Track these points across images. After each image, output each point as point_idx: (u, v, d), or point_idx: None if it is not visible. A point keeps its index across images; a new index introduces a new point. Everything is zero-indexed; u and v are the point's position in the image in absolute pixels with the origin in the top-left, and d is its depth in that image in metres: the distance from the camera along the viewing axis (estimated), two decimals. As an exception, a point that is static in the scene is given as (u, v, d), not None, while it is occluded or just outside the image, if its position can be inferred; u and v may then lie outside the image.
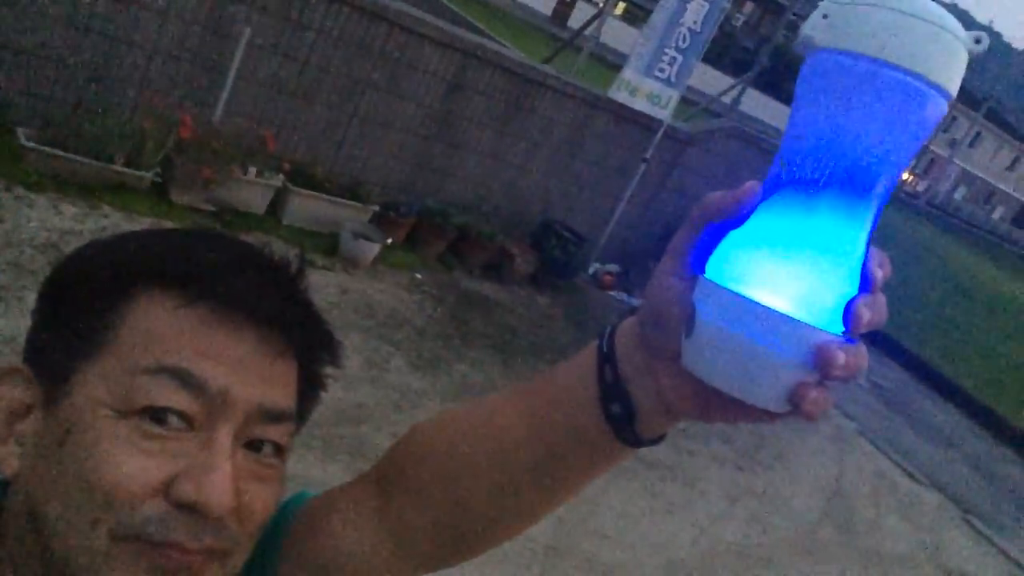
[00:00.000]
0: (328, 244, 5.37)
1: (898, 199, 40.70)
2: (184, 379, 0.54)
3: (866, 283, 0.46)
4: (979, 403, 10.15)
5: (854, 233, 0.46)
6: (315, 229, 5.41)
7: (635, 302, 7.19)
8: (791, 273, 0.45)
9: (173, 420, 0.53)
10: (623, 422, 0.55)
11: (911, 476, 6.95)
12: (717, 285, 0.47)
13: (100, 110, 4.52)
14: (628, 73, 7.14)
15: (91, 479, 0.52)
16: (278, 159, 5.19)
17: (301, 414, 0.64)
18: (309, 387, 0.64)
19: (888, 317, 0.47)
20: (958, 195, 59.15)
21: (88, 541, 0.51)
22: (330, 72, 5.43)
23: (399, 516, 0.64)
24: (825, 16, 0.47)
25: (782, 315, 0.45)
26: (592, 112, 6.91)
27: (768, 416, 0.49)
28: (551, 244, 6.63)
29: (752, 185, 0.49)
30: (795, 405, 0.47)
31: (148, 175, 4.64)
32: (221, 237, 0.62)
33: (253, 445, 0.58)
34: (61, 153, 4.30)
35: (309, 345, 0.62)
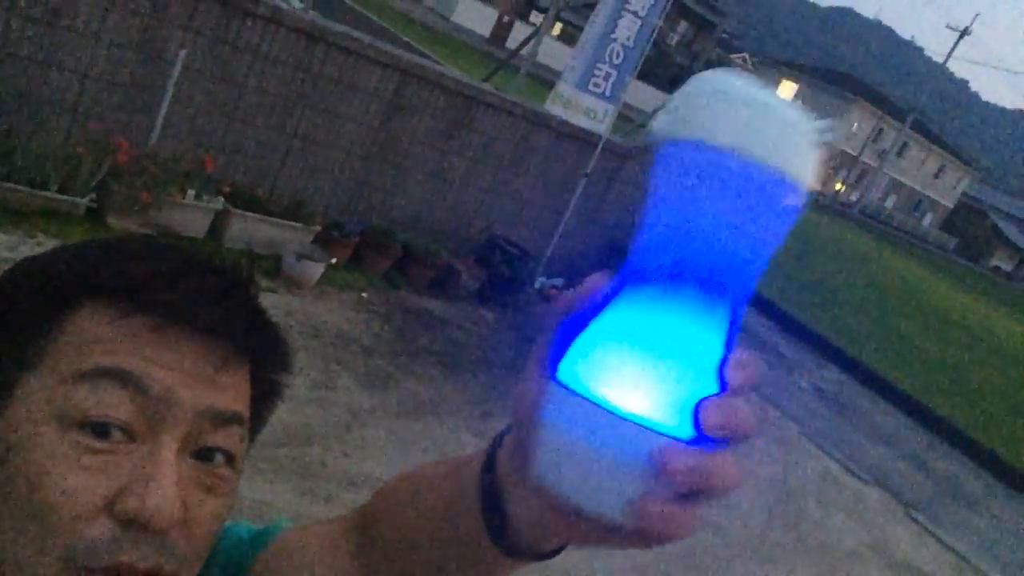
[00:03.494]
0: (271, 266, 5.33)
1: (832, 209, 41.86)
2: (124, 380, 0.52)
3: (723, 385, 0.42)
4: (916, 402, 10.47)
5: (709, 331, 0.43)
6: (258, 251, 5.36)
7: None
8: (639, 373, 0.42)
9: (115, 433, 0.52)
10: (500, 534, 0.50)
11: (854, 474, 7.13)
12: (559, 385, 0.44)
13: (32, 135, 4.43)
14: (563, 87, 7.27)
15: (33, 500, 0.50)
16: (218, 181, 5.14)
17: (256, 422, 0.63)
18: (263, 394, 0.63)
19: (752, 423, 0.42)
20: (889, 203, 61.11)
21: (39, 569, 0.50)
22: (268, 93, 5.41)
23: (373, 569, 0.61)
24: (675, 108, 0.45)
25: (620, 416, 0.41)
26: (532, 128, 7.00)
27: (642, 540, 0.44)
28: (496, 260, 6.68)
29: (596, 279, 0.45)
30: (640, 520, 0.41)
31: (83, 201, 4.55)
32: (161, 246, 0.60)
33: (203, 455, 0.56)
34: (-9, 180, 4.20)
35: (258, 351, 0.61)
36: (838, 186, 53.20)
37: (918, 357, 13.62)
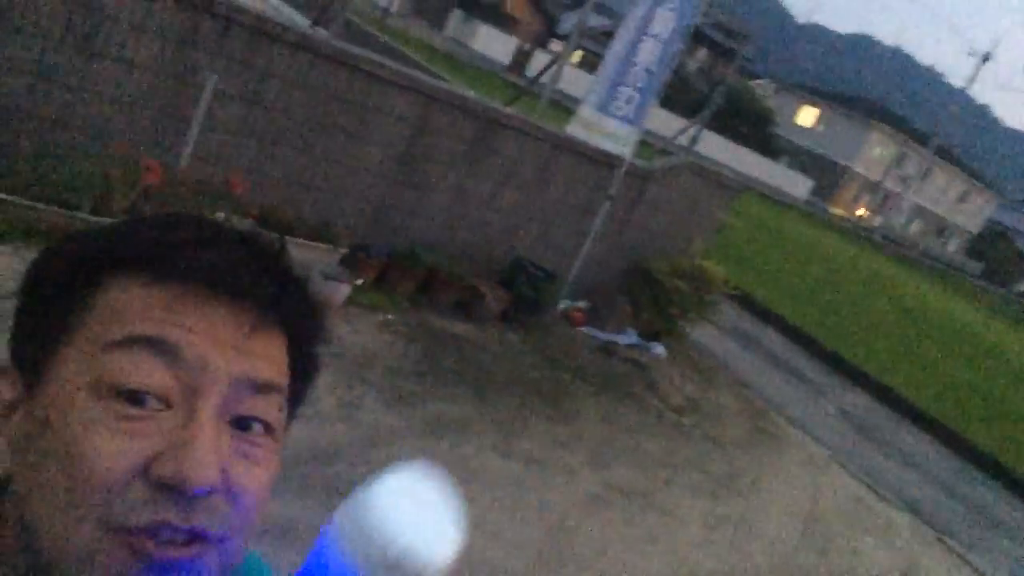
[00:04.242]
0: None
1: (854, 234, 41.54)
2: (158, 347, 0.53)
3: None
4: (944, 426, 10.30)
5: None
6: (284, 273, 5.40)
7: (603, 336, 7.26)
8: None
9: (150, 400, 0.52)
10: None
11: (884, 499, 7.02)
12: None
13: (65, 159, 4.52)
14: (585, 110, 7.32)
15: (70, 466, 0.51)
16: (246, 204, 5.20)
17: (295, 395, 0.62)
18: (300, 363, 0.62)
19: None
20: (913, 228, 60.61)
21: (76, 534, 0.51)
22: (296, 117, 5.49)
23: None
24: (344, 506, 0.61)
25: None
26: (555, 152, 7.04)
27: None
28: (520, 282, 6.69)
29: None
30: None
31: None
32: (190, 217, 0.61)
33: (240, 424, 0.56)
34: (26, 202, 4.28)
35: (292, 318, 0.60)
36: (860, 211, 52.87)
37: (944, 381, 13.43)
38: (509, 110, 6.99)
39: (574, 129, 7.25)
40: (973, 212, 64.08)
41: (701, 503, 5.32)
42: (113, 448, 0.51)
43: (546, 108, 7.93)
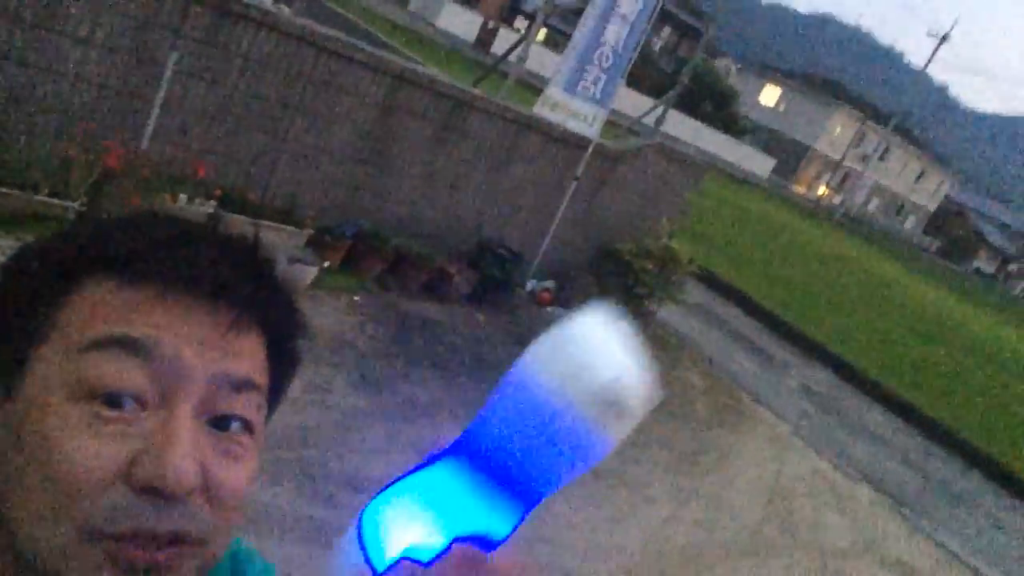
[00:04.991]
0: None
1: (815, 213, 42.12)
2: (133, 347, 0.52)
3: (436, 558, 0.49)
4: (903, 401, 10.55)
5: (472, 513, 0.50)
6: (250, 255, 5.34)
7: (572, 318, 7.29)
8: (414, 527, 0.49)
9: (128, 402, 0.52)
10: None
11: (845, 473, 7.18)
12: (357, 521, 0.51)
13: (23, 139, 4.41)
14: (552, 91, 7.30)
15: (48, 471, 0.50)
16: (209, 185, 5.12)
17: (274, 391, 0.62)
18: (279, 361, 0.62)
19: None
20: (872, 207, 61.61)
21: (55, 540, 0.50)
22: (260, 97, 5.41)
23: None
24: (547, 340, 0.52)
25: (359, 535, 0.49)
26: (523, 132, 7.02)
27: None
28: (488, 263, 6.69)
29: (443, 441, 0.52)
30: None
31: (74, 205, 4.53)
32: (167, 217, 0.61)
33: (219, 423, 0.55)
34: (-18, 184, 4.17)
35: (268, 315, 0.60)
36: (822, 190, 53.58)
37: (904, 357, 13.73)
38: (476, 90, 6.95)
39: (541, 109, 7.24)
40: (930, 191, 65.28)
41: (669, 479, 5.40)
42: (91, 452, 0.50)
43: (512, 88, 7.89)
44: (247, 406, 0.57)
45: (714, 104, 39.98)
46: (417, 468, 0.53)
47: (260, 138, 5.54)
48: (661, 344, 7.99)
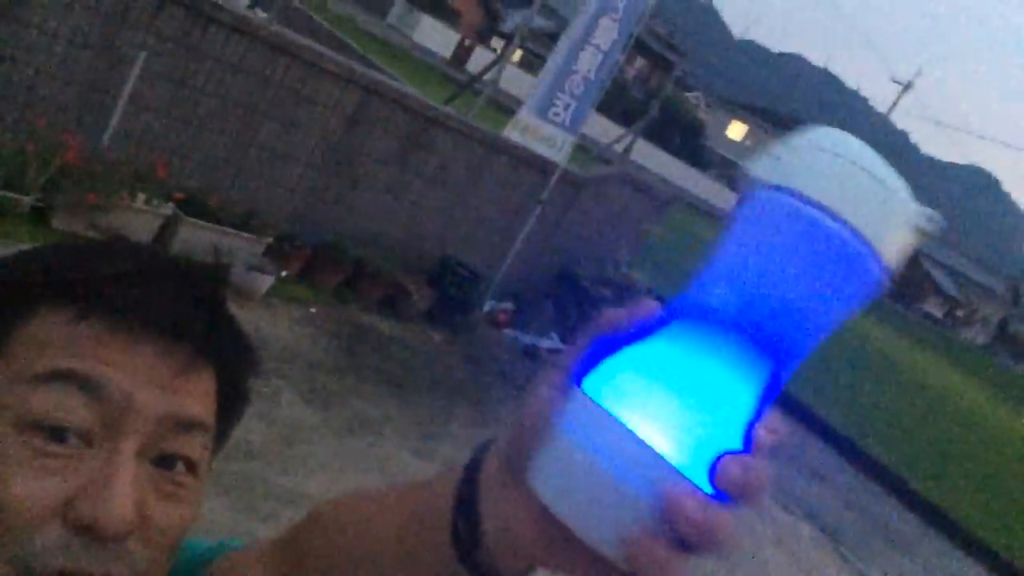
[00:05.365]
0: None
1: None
2: (80, 383, 0.51)
3: (748, 444, 0.40)
4: (846, 438, 10.73)
5: (749, 386, 0.41)
6: (205, 260, 5.27)
7: (527, 339, 7.32)
8: (671, 409, 0.40)
9: (71, 437, 0.51)
10: (467, 545, 0.48)
11: (786, 508, 7.27)
12: (586, 397, 0.42)
13: (-22, 129, 4.31)
14: (523, 114, 7.36)
15: None
16: (169, 187, 5.05)
17: (222, 429, 0.62)
18: (229, 400, 0.61)
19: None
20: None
21: None
22: (227, 101, 5.36)
23: None
24: (776, 156, 0.43)
25: (647, 446, 0.39)
26: (490, 154, 7.05)
27: None
28: (448, 281, 6.69)
29: (650, 304, 0.44)
30: (632, 559, 0.39)
31: (28, 199, 4.43)
32: (126, 247, 0.60)
33: (163, 462, 0.55)
34: (-68, 172, 4.07)
35: (223, 355, 0.60)
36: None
37: (849, 394, 13.97)
38: (447, 109, 6.97)
39: (511, 133, 7.29)
40: (887, 234, 66.58)
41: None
42: (30, 486, 0.50)
43: (484, 107, 7.94)
44: (193, 447, 0.56)
45: (682, 136, 40.55)
46: (627, 338, 0.43)
47: (224, 142, 5.49)
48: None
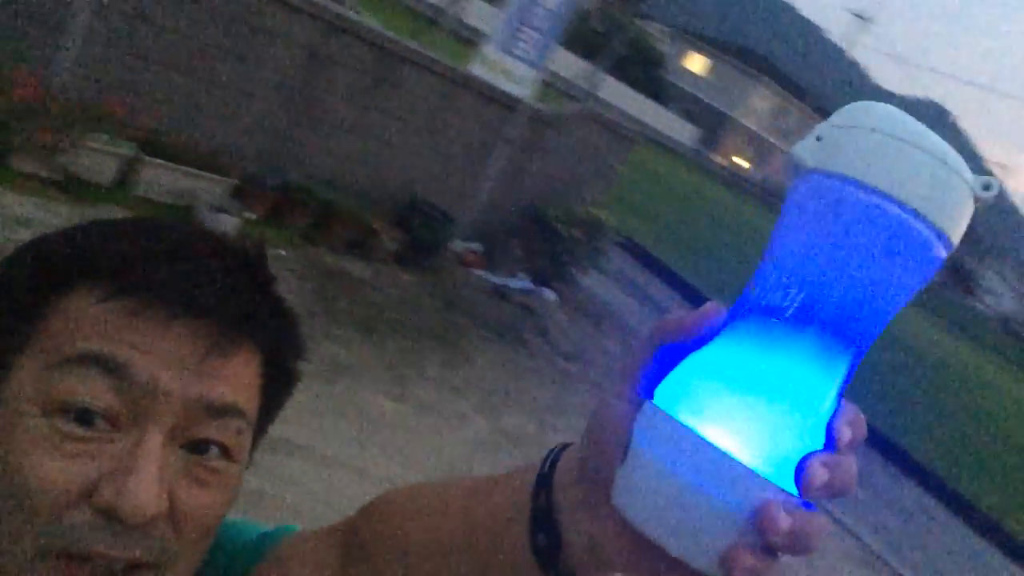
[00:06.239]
0: (183, 218, 5.11)
1: (734, 184, 43.14)
2: (106, 366, 0.51)
3: (831, 440, 0.40)
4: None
5: (824, 380, 0.40)
6: (169, 202, 5.13)
7: (496, 280, 7.30)
8: (749, 414, 0.39)
9: (99, 421, 0.51)
10: (548, 557, 0.48)
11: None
12: (660, 411, 0.41)
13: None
14: (487, 49, 7.20)
15: (12, 484, 0.50)
16: (130, 127, 4.87)
17: (266, 411, 0.60)
18: (273, 383, 0.60)
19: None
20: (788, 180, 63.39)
21: (14, 554, 0.50)
22: (185, 36, 5.15)
23: None
24: (820, 138, 0.42)
25: (730, 458, 0.39)
26: (457, 90, 6.91)
27: None
28: (416, 222, 6.61)
29: (714, 306, 0.44)
30: (726, 570, 0.39)
31: (-21, 139, 4.24)
32: (163, 226, 0.58)
33: (195, 447, 0.54)
34: None
35: (262, 336, 0.58)
36: (741, 162, 54.86)
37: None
38: (412, 42, 6.79)
39: (476, 68, 7.13)
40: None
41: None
42: (56, 469, 0.49)
43: (449, 42, 7.75)
44: (227, 432, 0.55)
45: (642, 68, 40.20)
46: (694, 344, 0.43)
47: (184, 79, 5.29)
48: (583, 312, 8.09)
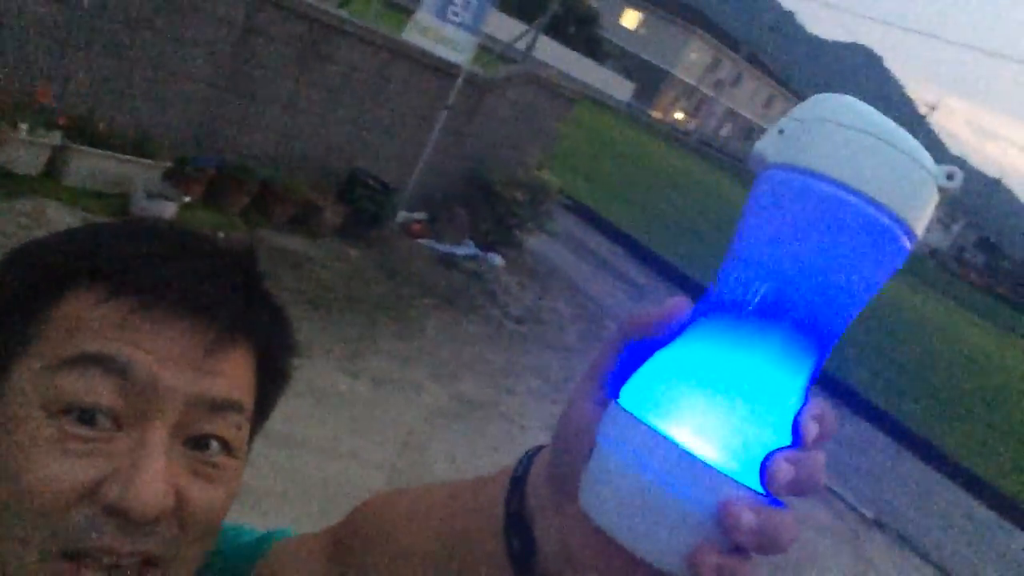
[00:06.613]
0: (118, 205, 4.99)
1: (672, 137, 43.45)
2: (107, 365, 0.51)
3: (797, 437, 0.39)
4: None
5: (789, 375, 0.40)
6: (102, 190, 4.99)
7: (443, 248, 7.29)
8: (713, 411, 0.39)
9: (101, 420, 0.51)
10: (523, 562, 0.47)
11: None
12: (624, 411, 0.41)
13: None
14: (421, 15, 7.10)
15: (16, 485, 0.50)
16: (53, 114, 4.71)
17: (262, 408, 0.62)
18: (268, 378, 0.61)
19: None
20: (724, 132, 64.16)
21: (17, 558, 0.50)
22: (105, 16, 4.97)
23: None
24: (782, 131, 0.42)
25: (692, 456, 0.38)
26: (392, 59, 6.82)
27: None
28: (358, 195, 6.55)
29: (679, 302, 0.44)
30: (692, 571, 0.38)
31: None
32: (160, 227, 0.60)
33: (198, 443, 0.55)
34: None
35: (257, 333, 0.59)
36: (678, 115, 55.19)
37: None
38: (343, 12, 6.66)
39: (411, 35, 7.03)
40: (777, 115, 68.42)
41: (543, 408, 5.58)
42: (59, 469, 0.50)
43: (380, 10, 7.62)
44: (227, 427, 0.56)
45: (577, 26, 40.03)
46: (659, 342, 0.43)
47: (107, 61, 5.12)
48: (531, 275, 8.14)
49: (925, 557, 6.56)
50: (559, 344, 6.88)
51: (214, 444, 0.56)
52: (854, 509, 6.63)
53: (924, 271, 41.54)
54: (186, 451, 0.54)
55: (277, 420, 0.66)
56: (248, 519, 0.71)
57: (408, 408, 4.67)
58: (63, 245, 0.57)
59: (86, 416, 0.51)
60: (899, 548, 6.51)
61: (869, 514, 6.69)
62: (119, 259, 0.55)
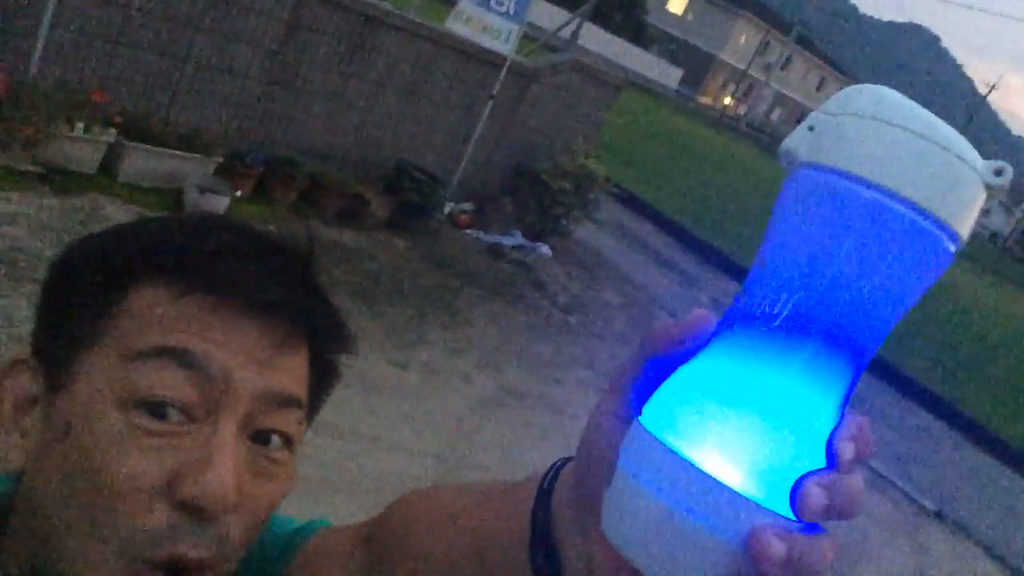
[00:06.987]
0: (172, 200, 5.09)
1: (721, 123, 42.80)
2: (182, 360, 0.52)
3: (831, 458, 0.36)
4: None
5: (825, 393, 0.37)
6: (156, 185, 5.10)
7: (490, 239, 7.30)
8: (739, 433, 0.36)
9: (173, 414, 0.52)
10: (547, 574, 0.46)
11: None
12: (645, 431, 0.38)
13: None
14: (464, 5, 7.09)
15: (91, 481, 0.50)
16: (108, 112, 4.82)
17: (313, 404, 0.62)
18: (320, 376, 0.62)
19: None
20: (775, 116, 63.01)
21: (93, 559, 0.50)
22: (156, 15, 5.06)
23: None
24: (812, 128, 0.38)
25: (717, 482, 0.35)
26: (436, 50, 6.83)
27: None
28: (405, 187, 6.58)
29: (703, 315, 0.41)
30: None
31: (-42, 137, 4.20)
32: (223, 224, 0.60)
33: (260, 437, 0.56)
34: None
35: (317, 332, 0.60)
36: (727, 100, 54.37)
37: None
38: (387, 5, 6.69)
39: (454, 24, 7.03)
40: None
41: (591, 398, 5.56)
42: (136, 466, 0.50)
43: (424, 2, 7.63)
44: (288, 422, 0.57)
45: (622, 13, 39.63)
46: (684, 357, 0.40)
47: (158, 60, 5.22)
48: (578, 264, 8.10)
49: (988, 549, 6.38)
50: (607, 334, 6.84)
51: (275, 439, 0.56)
52: (913, 500, 6.48)
53: (983, 256, 40.33)
54: (250, 445, 0.55)
55: (327, 411, 0.67)
56: (298, 509, 0.72)
57: (456, 398, 4.68)
58: (127, 240, 0.58)
59: (158, 410, 0.51)
60: (960, 539, 6.35)
61: (929, 505, 6.53)
62: (192, 255, 0.55)
